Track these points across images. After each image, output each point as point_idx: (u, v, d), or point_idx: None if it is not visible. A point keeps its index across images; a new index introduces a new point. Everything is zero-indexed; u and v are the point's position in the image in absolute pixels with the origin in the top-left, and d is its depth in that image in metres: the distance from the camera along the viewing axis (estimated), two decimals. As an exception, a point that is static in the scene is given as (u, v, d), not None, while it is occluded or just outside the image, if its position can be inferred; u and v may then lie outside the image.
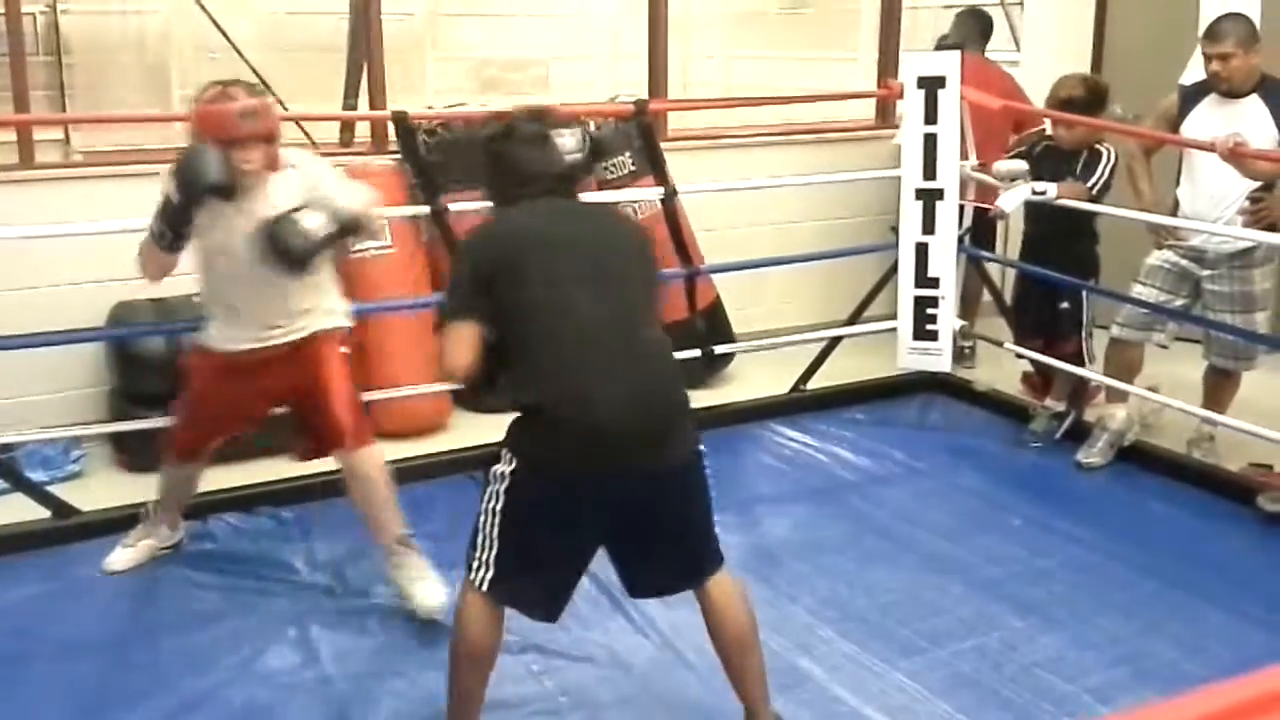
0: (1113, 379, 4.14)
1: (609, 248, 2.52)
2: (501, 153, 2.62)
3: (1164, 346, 4.21)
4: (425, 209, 4.09)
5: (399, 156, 4.39)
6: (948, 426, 4.62)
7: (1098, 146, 4.23)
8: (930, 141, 4.52)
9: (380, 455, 3.20)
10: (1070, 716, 2.67)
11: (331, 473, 3.88)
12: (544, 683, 2.83)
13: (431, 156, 4.39)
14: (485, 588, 2.38)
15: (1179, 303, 4.02)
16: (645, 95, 5.14)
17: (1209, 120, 3.83)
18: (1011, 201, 4.15)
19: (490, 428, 4.25)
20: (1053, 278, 4.27)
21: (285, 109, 5.27)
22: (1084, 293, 4.28)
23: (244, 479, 3.85)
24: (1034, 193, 4.13)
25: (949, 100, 4.47)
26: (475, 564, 2.40)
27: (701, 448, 2.48)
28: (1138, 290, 4.07)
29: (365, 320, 4.28)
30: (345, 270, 4.36)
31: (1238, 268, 3.91)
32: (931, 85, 4.49)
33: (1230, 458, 4.06)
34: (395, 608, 3.17)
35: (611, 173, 4.87)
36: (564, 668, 2.89)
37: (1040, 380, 4.61)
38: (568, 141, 2.84)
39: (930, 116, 4.51)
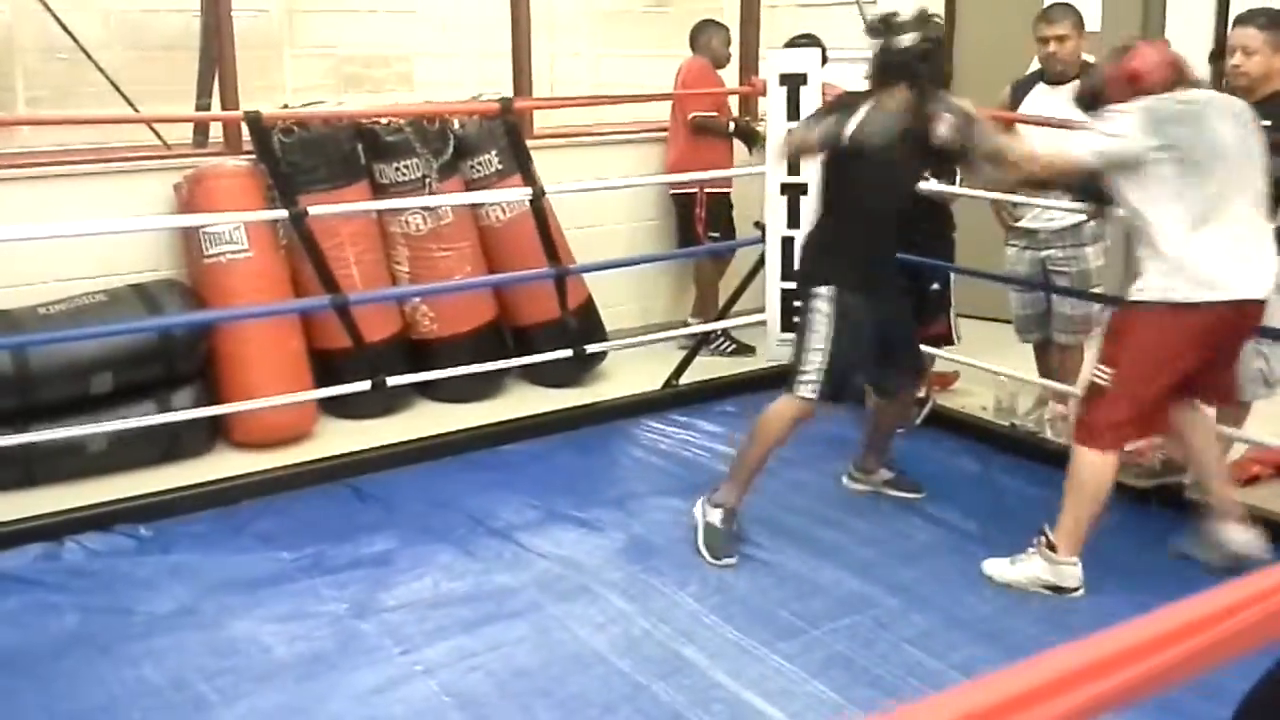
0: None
1: None
2: None
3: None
4: (283, 212, 3.98)
5: (254, 157, 4.26)
6: (817, 416, 4.70)
7: None
8: (794, 137, 4.60)
9: None
10: (936, 690, 2.73)
11: (191, 486, 3.77)
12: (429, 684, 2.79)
13: (289, 157, 4.28)
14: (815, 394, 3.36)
15: (1040, 310, 4.33)
16: (511, 93, 5.11)
17: (1039, 106, 4.13)
18: None
19: (358, 434, 4.25)
20: (917, 261, 4.41)
21: (136, 110, 5.10)
22: (951, 274, 4.45)
23: (98, 496, 3.69)
24: None
25: (811, 97, 4.56)
26: (803, 377, 3.37)
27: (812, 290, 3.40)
28: (1014, 305, 4.42)
29: (221, 328, 4.18)
30: (196, 274, 4.25)
31: (1071, 246, 4.16)
32: (794, 82, 4.57)
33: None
34: (265, 619, 3.08)
35: (478, 171, 4.83)
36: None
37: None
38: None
39: (793, 113, 4.59)
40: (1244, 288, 3.03)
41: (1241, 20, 3.65)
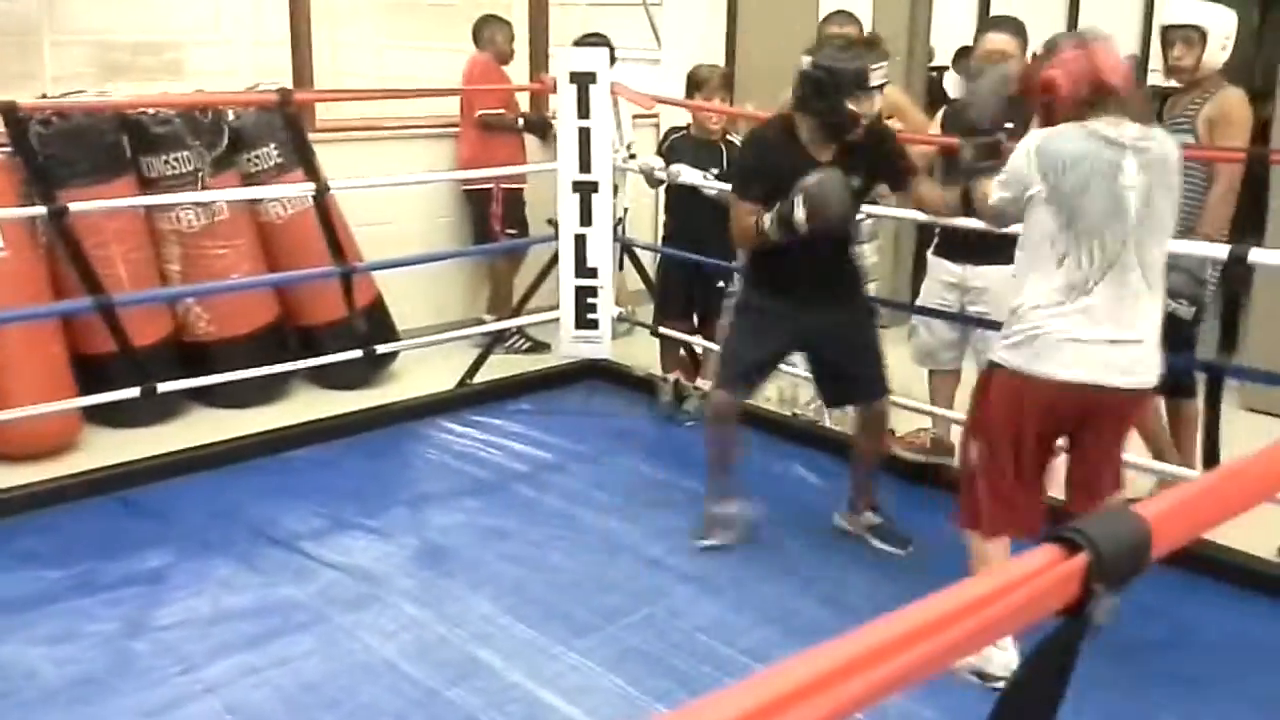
0: None
1: None
2: None
3: None
4: (40, 209, 3.71)
5: (9, 151, 3.96)
6: (610, 411, 4.77)
7: (731, 137, 4.53)
8: (584, 135, 4.64)
9: None
10: (728, 675, 2.83)
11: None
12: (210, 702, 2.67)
13: (47, 150, 4.00)
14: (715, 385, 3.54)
15: None
16: (290, 84, 4.94)
17: None
18: (689, 176, 4.44)
19: (128, 444, 4.01)
20: (705, 261, 4.53)
21: None
22: (736, 273, 4.57)
23: None
24: (704, 177, 4.44)
25: (600, 95, 4.60)
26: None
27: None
28: None
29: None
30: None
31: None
32: (583, 80, 4.60)
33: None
34: (30, 641, 2.87)
35: (256, 165, 4.64)
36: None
37: (691, 361, 4.84)
38: None
39: (583, 111, 4.62)
40: (1108, 373, 2.59)
41: (994, 26, 3.81)
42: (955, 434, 4.02)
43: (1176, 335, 3.50)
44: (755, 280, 3.49)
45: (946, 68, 6.98)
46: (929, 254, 4.02)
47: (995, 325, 3.73)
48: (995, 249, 3.69)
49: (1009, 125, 2.98)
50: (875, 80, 3.13)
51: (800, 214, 3.11)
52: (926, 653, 0.92)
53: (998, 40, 3.69)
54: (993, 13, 6.33)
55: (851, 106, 3.12)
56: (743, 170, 3.38)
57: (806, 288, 3.36)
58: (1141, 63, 7.51)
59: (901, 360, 4.22)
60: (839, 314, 3.43)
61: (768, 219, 3.20)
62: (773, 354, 3.51)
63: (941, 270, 3.92)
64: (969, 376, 3.96)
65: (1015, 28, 3.73)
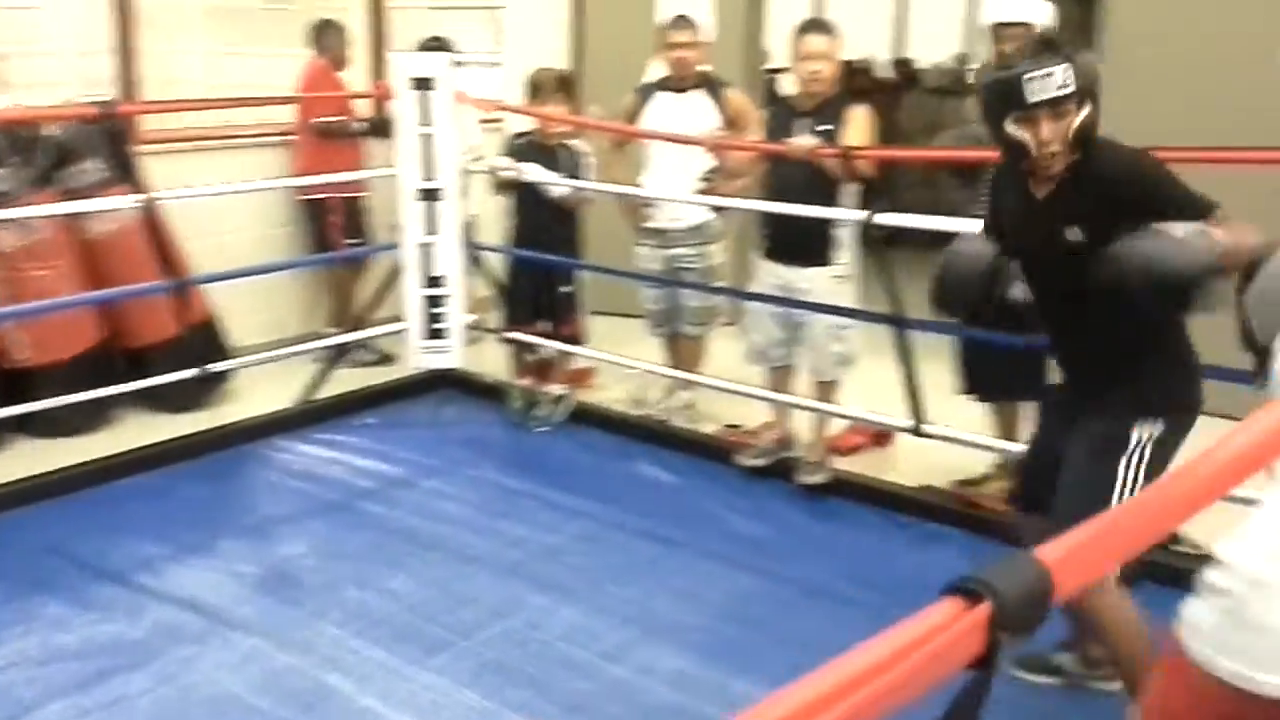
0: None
1: None
2: None
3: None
4: None
5: None
6: (461, 420, 4.71)
7: (569, 143, 4.56)
8: (427, 141, 4.56)
9: None
10: (587, 680, 2.84)
11: None
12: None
13: None
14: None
15: (670, 305, 4.48)
16: (119, 94, 4.72)
17: (665, 112, 4.28)
18: (534, 174, 4.46)
19: (46, 454, 3.74)
20: (555, 262, 4.55)
21: None
22: (578, 275, 4.58)
23: None
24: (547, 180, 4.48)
25: (442, 101, 4.54)
26: None
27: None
28: (647, 301, 4.55)
29: None
30: None
31: (698, 244, 4.38)
32: (423, 86, 4.53)
33: (704, 420, 4.54)
34: None
35: (79, 181, 4.40)
36: None
37: (540, 366, 4.81)
38: None
39: (425, 117, 4.55)
40: None
41: (811, 29, 3.86)
42: (797, 421, 4.12)
43: None
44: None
45: (784, 69, 7.11)
46: (756, 257, 4.09)
47: (826, 309, 3.83)
48: (818, 252, 3.83)
49: None
50: (1038, 94, 2.22)
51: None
52: None
53: (817, 43, 3.79)
54: (829, 15, 6.49)
55: (1013, 132, 2.28)
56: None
57: (1079, 376, 2.59)
58: (964, 60, 7.82)
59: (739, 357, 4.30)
60: (1094, 421, 2.48)
61: None
62: (1050, 454, 2.58)
63: (768, 273, 3.99)
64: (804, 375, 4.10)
65: (832, 30, 3.84)
